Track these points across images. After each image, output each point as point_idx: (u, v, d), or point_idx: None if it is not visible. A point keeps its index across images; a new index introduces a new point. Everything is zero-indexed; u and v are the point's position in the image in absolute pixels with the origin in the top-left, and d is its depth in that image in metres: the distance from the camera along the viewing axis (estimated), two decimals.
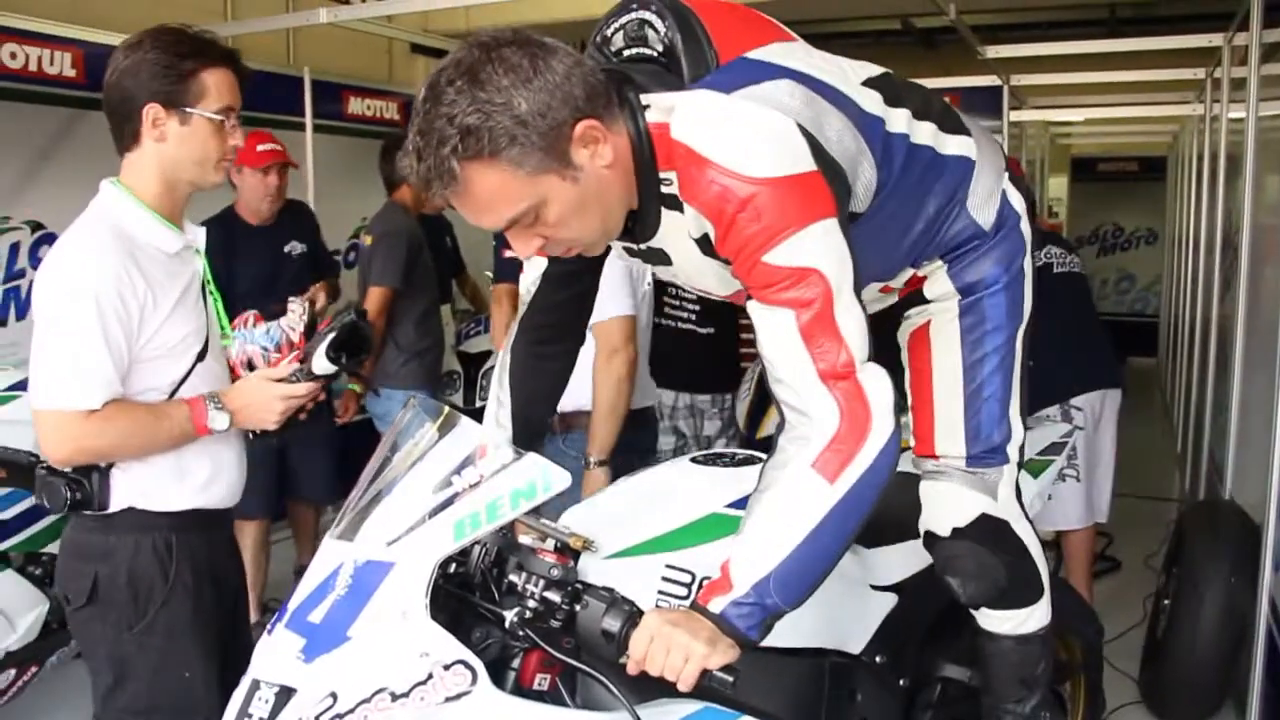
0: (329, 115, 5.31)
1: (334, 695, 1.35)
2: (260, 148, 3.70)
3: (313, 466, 3.84)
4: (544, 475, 1.41)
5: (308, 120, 5.15)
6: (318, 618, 1.41)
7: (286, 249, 3.88)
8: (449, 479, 1.44)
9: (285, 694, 1.40)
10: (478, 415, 1.68)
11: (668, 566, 1.64)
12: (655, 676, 1.38)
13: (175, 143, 1.84)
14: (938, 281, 1.76)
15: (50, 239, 4.16)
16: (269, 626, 1.48)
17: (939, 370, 1.77)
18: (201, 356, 1.90)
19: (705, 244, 1.43)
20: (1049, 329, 3.88)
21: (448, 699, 1.33)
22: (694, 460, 1.93)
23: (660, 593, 1.62)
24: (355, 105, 5.62)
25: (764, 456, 1.93)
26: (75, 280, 1.77)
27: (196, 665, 1.88)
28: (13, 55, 3.99)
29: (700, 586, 1.62)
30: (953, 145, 1.67)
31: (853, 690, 1.86)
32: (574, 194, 1.34)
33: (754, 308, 1.41)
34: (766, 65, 1.43)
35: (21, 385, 3.01)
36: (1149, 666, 3.36)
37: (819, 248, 1.35)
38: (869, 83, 1.57)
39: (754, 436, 3.53)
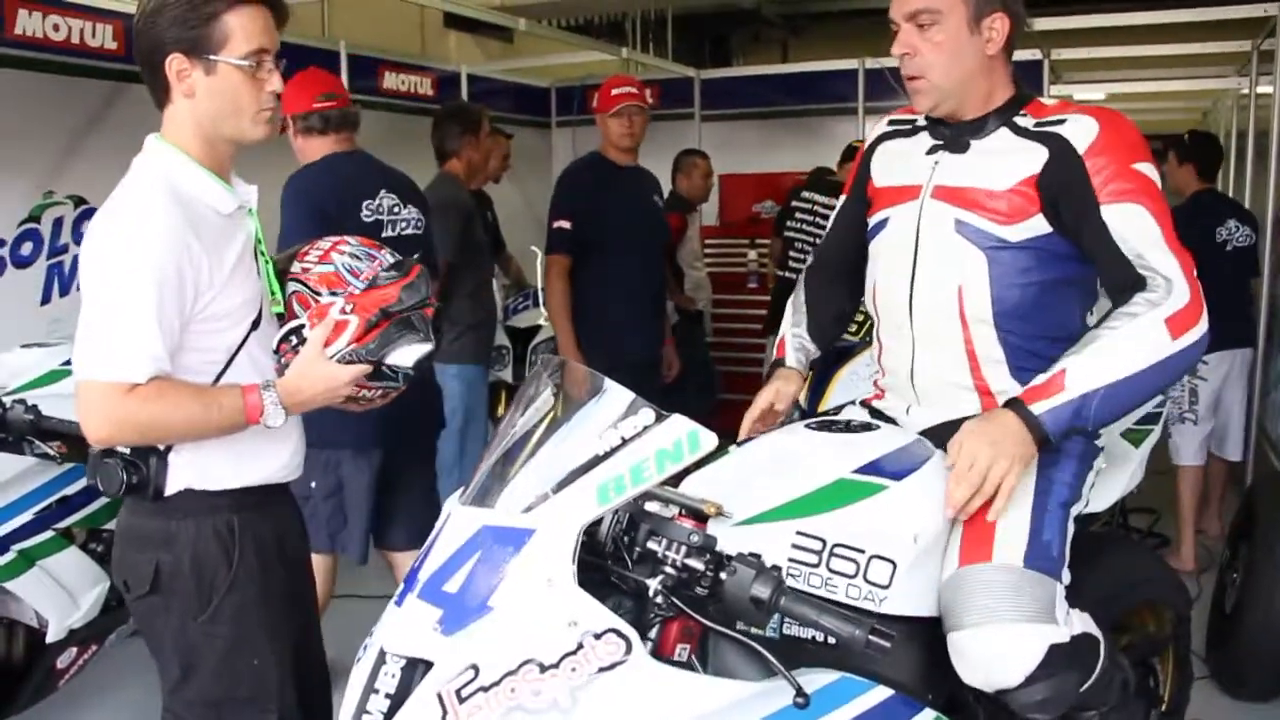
0: (364, 90, 5.19)
1: (475, 668, 1.30)
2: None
3: (411, 513, 3.06)
4: (690, 436, 1.35)
5: None
6: (454, 587, 1.35)
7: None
8: (590, 441, 1.38)
9: (412, 667, 1.36)
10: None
11: (798, 534, 1.58)
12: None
13: (205, 96, 1.66)
14: None
15: (93, 215, 4.10)
16: (396, 598, 1.43)
17: None
18: (256, 324, 1.76)
19: (1060, 152, 1.78)
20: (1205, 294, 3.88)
21: (601, 669, 1.28)
22: (809, 426, 1.88)
23: (790, 560, 1.56)
24: (391, 80, 5.53)
25: (880, 424, 1.89)
26: (130, 247, 1.60)
27: (266, 651, 1.77)
28: (55, 28, 3.94)
29: (831, 553, 1.58)
30: None
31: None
32: (963, 39, 1.79)
33: (1111, 210, 1.73)
34: None
35: None
36: (1217, 643, 3.31)
37: (1158, 182, 1.77)
38: None
39: (815, 411, 3.46)
